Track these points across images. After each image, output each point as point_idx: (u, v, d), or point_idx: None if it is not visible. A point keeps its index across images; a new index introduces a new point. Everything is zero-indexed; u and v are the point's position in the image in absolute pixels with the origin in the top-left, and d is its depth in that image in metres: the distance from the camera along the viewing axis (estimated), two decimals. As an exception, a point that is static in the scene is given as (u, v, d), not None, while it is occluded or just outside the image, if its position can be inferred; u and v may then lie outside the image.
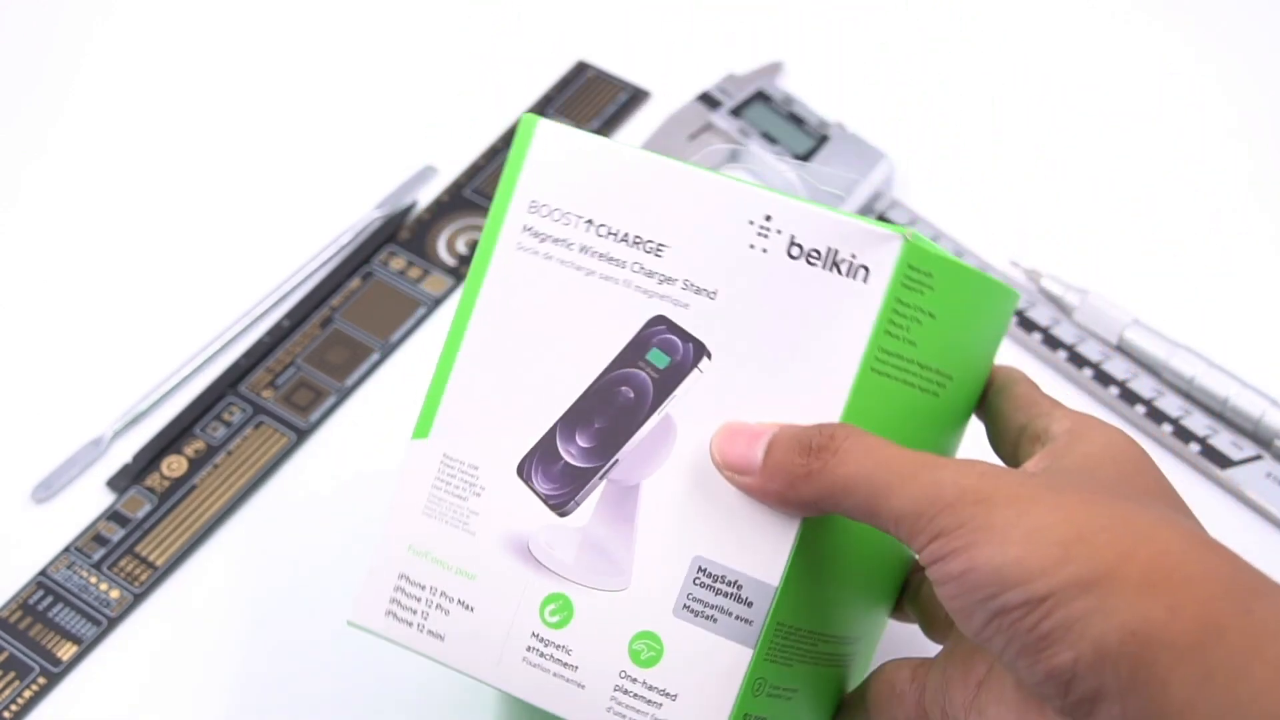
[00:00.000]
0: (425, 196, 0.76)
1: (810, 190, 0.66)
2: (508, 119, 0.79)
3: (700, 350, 0.51)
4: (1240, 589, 0.42)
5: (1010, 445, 0.52)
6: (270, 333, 0.71)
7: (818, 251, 0.50)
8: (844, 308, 0.49)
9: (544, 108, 0.79)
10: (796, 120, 0.77)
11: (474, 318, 0.53)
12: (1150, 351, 0.70)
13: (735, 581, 0.50)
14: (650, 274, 0.51)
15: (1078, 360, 0.70)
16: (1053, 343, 0.71)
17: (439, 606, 0.53)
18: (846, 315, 0.49)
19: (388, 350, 0.71)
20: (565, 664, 0.51)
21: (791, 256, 0.50)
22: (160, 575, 0.65)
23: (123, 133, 0.78)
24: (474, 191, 0.76)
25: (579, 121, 0.78)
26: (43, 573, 0.65)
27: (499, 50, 0.82)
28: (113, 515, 0.66)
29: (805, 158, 0.75)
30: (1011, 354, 0.71)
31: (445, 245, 0.74)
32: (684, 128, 0.77)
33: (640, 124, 0.79)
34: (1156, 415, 0.69)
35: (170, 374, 0.70)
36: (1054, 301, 0.72)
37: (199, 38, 0.82)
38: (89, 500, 0.67)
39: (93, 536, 0.65)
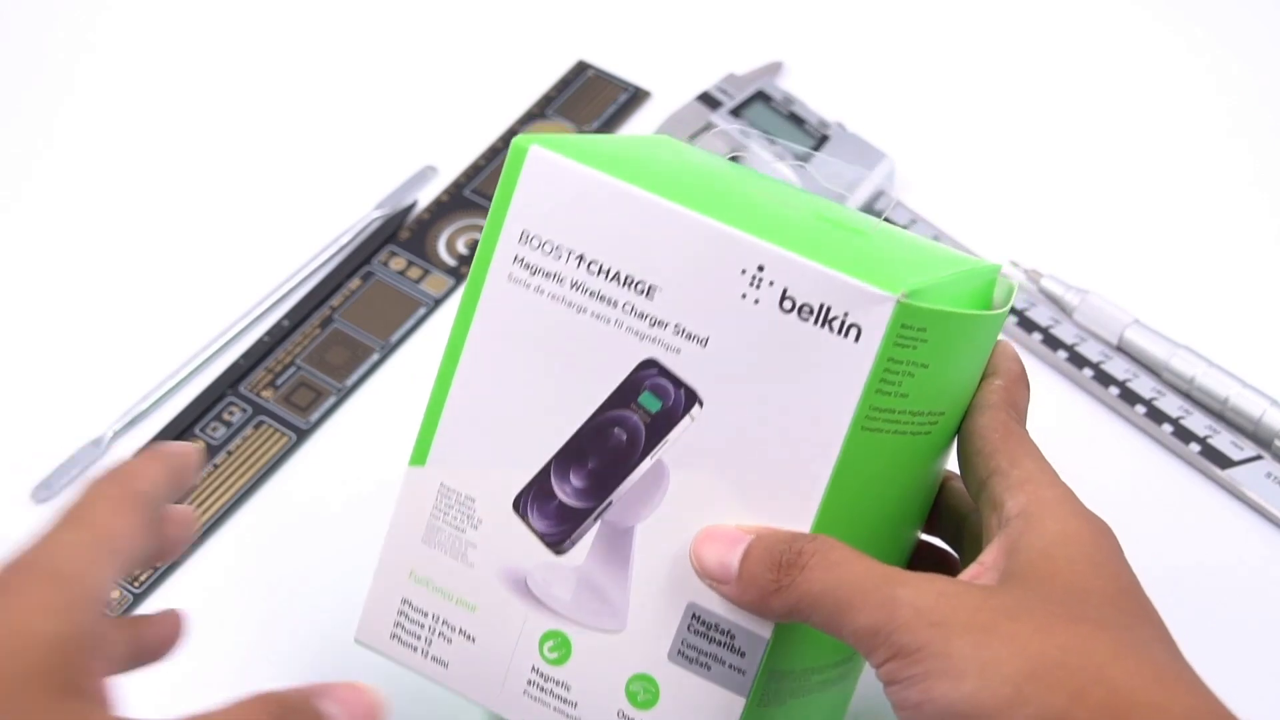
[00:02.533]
0: (425, 196, 0.76)
1: (813, 188, 0.66)
2: (508, 119, 0.79)
3: (692, 397, 0.50)
4: None
5: (973, 494, 0.52)
6: (270, 333, 0.71)
7: (809, 306, 0.48)
8: (835, 366, 0.48)
9: (544, 108, 0.79)
10: (796, 120, 0.77)
11: (467, 346, 0.52)
12: (1150, 351, 0.70)
13: (728, 631, 0.50)
14: (642, 315, 0.50)
15: (1078, 360, 0.70)
16: (1053, 343, 0.71)
17: (441, 635, 0.53)
18: (837, 374, 0.48)
19: (388, 350, 0.71)
20: (565, 700, 0.52)
21: (784, 310, 0.49)
22: (160, 575, 0.65)
23: (123, 133, 0.78)
24: (474, 192, 0.76)
25: (579, 122, 0.78)
26: (43, 573, 0.65)
27: (499, 50, 0.82)
28: (113, 515, 0.66)
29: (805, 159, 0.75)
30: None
31: (445, 245, 0.74)
32: (684, 128, 0.77)
33: (640, 124, 0.79)
34: (1156, 415, 0.69)
35: (170, 374, 0.70)
36: (1054, 301, 0.72)
37: (199, 38, 0.82)
38: (89, 500, 0.67)
39: (93, 536, 0.65)
